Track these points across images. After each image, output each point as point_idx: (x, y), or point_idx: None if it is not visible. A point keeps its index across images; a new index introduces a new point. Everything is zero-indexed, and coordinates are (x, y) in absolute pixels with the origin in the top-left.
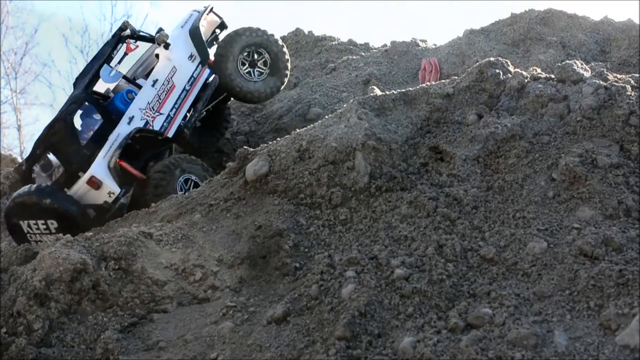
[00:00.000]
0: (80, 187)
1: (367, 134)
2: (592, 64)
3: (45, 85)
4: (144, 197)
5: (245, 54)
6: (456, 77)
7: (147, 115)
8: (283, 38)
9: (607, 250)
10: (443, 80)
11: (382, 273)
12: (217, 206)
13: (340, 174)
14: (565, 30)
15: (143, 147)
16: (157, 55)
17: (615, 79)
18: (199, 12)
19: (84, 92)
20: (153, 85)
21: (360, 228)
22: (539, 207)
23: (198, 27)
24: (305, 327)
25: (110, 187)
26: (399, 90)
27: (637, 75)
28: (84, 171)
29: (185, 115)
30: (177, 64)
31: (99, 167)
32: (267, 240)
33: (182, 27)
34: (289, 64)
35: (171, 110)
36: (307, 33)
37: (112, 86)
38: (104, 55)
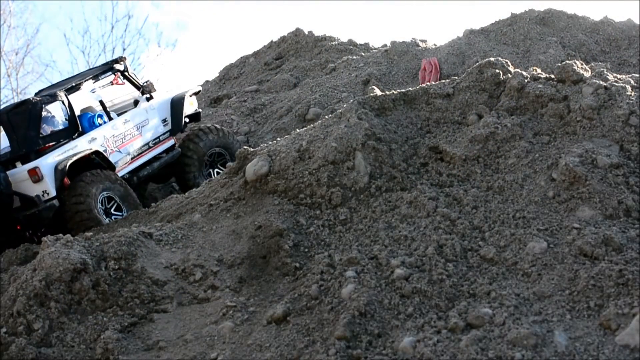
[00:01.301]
0: (18, 173)
1: (367, 134)
2: (592, 64)
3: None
4: (63, 218)
5: (210, 154)
6: (456, 77)
7: (108, 146)
8: (283, 38)
9: (607, 250)
10: (443, 80)
11: (382, 273)
12: (217, 206)
13: (340, 174)
14: (565, 30)
15: (89, 169)
16: (135, 102)
17: (615, 79)
18: (186, 90)
19: (64, 92)
20: (124, 123)
21: (360, 228)
22: (539, 207)
23: (182, 100)
24: (305, 327)
25: (48, 186)
26: (399, 90)
27: (637, 75)
28: (29, 160)
29: (139, 167)
30: (150, 119)
31: (47, 163)
32: (267, 240)
33: (167, 91)
34: None
35: (129, 154)
36: (307, 33)
37: (85, 103)
38: (92, 73)
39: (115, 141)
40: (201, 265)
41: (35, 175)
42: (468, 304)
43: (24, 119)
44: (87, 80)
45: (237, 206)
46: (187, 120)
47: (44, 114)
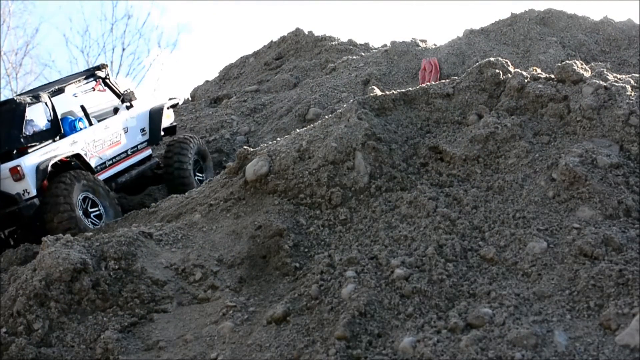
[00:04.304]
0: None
1: (367, 134)
2: (592, 64)
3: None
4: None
5: (195, 158)
6: (456, 77)
7: (88, 150)
8: (283, 38)
9: (607, 250)
10: (443, 80)
11: (382, 273)
12: (217, 206)
13: (340, 174)
14: (565, 30)
15: (67, 170)
16: (115, 110)
17: (615, 79)
18: (165, 102)
19: (47, 95)
20: (105, 129)
21: (360, 228)
22: (539, 207)
23: (160, 112)
24: (305, 327)
25: (29, 185)
26: (399, 90)
27: (637, 75)
28: (11, 158)
29: (117, 173)
30: (129, 128)
31: (29, 162)
32: (267, 240)
33: (146, 102)
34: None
35: (108, 160)
36: (307, 33)
37: (67, 107)
38: (73, 78)
39: (95, 146)
40: (201, 265)
41: (16, 174)
42: (468, 304)
43: (8, 117)
44: (70, 84)
45: (237, 206)
46: (163, 132)
47: (27, 114)
